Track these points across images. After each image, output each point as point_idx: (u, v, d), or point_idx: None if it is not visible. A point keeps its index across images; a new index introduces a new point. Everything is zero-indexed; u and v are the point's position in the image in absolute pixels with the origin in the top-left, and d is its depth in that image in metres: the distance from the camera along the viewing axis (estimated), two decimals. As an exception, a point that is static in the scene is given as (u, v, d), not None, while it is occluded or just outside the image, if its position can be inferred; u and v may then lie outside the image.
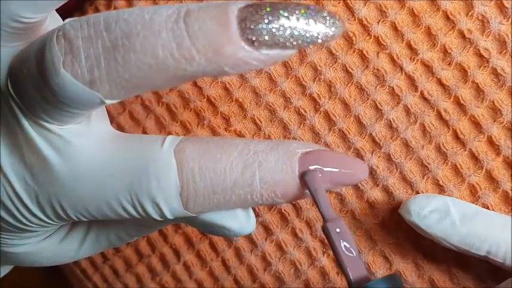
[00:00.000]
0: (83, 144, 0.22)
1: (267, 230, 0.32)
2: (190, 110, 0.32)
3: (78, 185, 0.22)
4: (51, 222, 0.23)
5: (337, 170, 0.22)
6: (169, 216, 0.22)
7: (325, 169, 0.22)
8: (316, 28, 0.19)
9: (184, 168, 0.21)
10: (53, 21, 0.23)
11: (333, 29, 0.19)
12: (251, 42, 0.19)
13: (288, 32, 0.19)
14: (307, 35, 0.19)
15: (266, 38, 0.19)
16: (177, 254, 0.34)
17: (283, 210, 0.31)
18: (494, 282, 0.28)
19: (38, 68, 0.20)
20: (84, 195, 0.22)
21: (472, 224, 0.25)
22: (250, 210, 0.23)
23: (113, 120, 0.34)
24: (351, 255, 0.21)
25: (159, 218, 0.22)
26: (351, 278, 0.21)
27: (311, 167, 0.22)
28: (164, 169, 0.21)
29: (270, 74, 0.30)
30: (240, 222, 0.23)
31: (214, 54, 0.19)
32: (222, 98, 0.32)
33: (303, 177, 0.22)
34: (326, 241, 0.22)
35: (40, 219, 0.23)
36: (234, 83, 0.31)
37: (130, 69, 0.19)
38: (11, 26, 0.20)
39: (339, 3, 0.29)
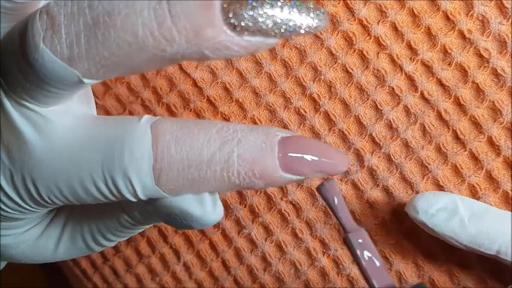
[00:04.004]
0: (61, 122, 0.22)
1: (267, 230, 0.32)
2: (190, 110, 0.32)
3: (53, 161, 0.21)
4: (26, 206, 0.23)
5: (317, 158, 0.22)
6: (140, 193, 0.21)
7: (305, 156, 0.22)
8: (300, 18, 0.19)
9: (160, 141, 0.21)
10: None
11: (317, 20, 0.19)
12: (233, 27, 0.18)
13: (271, 20, 0.19)
14: (290, 24, 0.19)
15: (249, 24, 0.19)
16: (177, 254, 0.34)
17: (283, 211, 0.31)
18: (494, 283, 0.28)
19: (20, 44, 0.20)
20: (58, 171, 0.21)
21: (481, 223, 0.25)
22: (218, 198, 0.23)
23: (113, 120, 0.34)
24: (375, 265, 0.21)
25: (131, 198, 0.22)
26: None
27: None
28: (138, 141, 0.21)
29: (270, 74, 0.30)
30: (205, 208, 0.22)
31: (195, 36, 0.18)
32: (222, 98, 0.32)
33: (319, 189, 0.22)
34: (349, 253, 0.22)
35: (15, 203, 0.23)
36: (234, 83, 0.31)
37: (110, 46, 0.19)
38: (2, 6, 0.21)
39: (339, 3, 0.29)
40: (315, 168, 0.22)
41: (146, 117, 0.22)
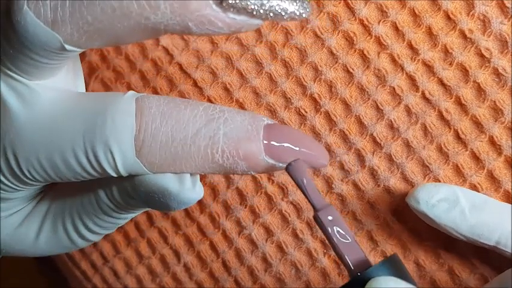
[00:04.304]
0: (47, 95, 0.22)
1: (268, 231, 0.32)
2: (191, 111, 0.32)
3: (35, 132, 0.21)
4: (6, 181, 0.23)
5: (297, 148, 0.22)
6: (120, 166, 0.21)
7: (288, 144, 0.22)
8: (285, 4, 0.20)
9: (145, 113, 0.21)
10: None
11: (301, 9, 0.20)
12: (219, 2, 0.19)
13: (258, 0, 0.19)
14: (276, 7, 0.19)
15: (235, 1, 0.19)
16: (177, 255, 0.34)
17: (283, 211, 0.31)
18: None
19: (6, 7, 0.20)
20: (39, 143, 0.21)
21: (481, 214, 0.25)
22: (198, 179, 0.23)
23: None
24: (347, 241, 0.21)
25: (111, 172, 0.21)
26: (350, 264, 0.20)
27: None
28: (122, 112, 0.21)
29: (270, 74, 0.30)
30: (184, 185, 0.22)
31: (180, 7, 0.19)
32: (222, 99, 0.31)
33: (287, 168, 0.22)
34: (320, 231, 0.22)
35: None
36: (235, 83, 0.31)
37: (94, 10, 0.19)
38: None
39: (339, 3, 0.29)
40: (297, 157, 0.22)
41: (131, 92, 0.22)
